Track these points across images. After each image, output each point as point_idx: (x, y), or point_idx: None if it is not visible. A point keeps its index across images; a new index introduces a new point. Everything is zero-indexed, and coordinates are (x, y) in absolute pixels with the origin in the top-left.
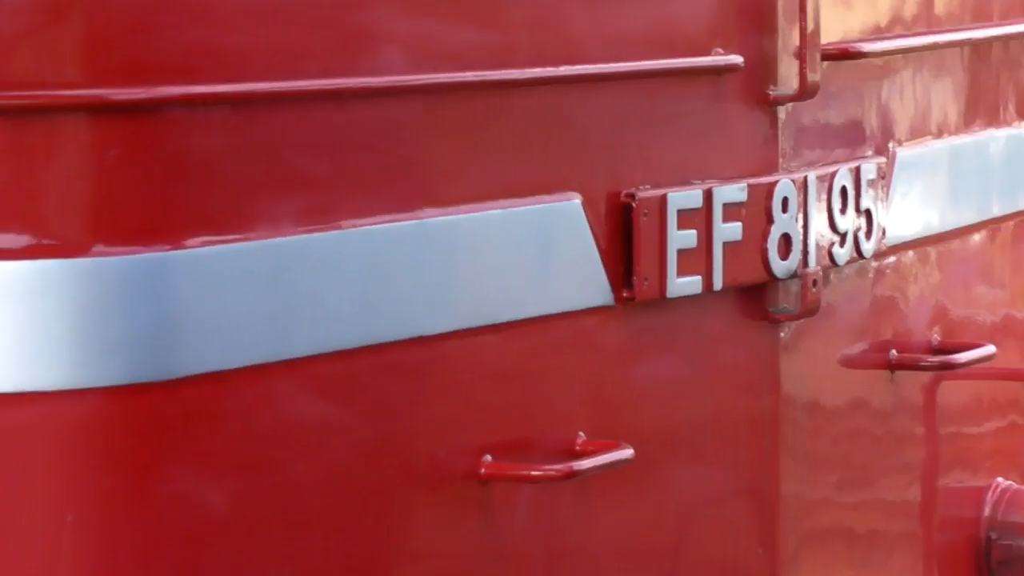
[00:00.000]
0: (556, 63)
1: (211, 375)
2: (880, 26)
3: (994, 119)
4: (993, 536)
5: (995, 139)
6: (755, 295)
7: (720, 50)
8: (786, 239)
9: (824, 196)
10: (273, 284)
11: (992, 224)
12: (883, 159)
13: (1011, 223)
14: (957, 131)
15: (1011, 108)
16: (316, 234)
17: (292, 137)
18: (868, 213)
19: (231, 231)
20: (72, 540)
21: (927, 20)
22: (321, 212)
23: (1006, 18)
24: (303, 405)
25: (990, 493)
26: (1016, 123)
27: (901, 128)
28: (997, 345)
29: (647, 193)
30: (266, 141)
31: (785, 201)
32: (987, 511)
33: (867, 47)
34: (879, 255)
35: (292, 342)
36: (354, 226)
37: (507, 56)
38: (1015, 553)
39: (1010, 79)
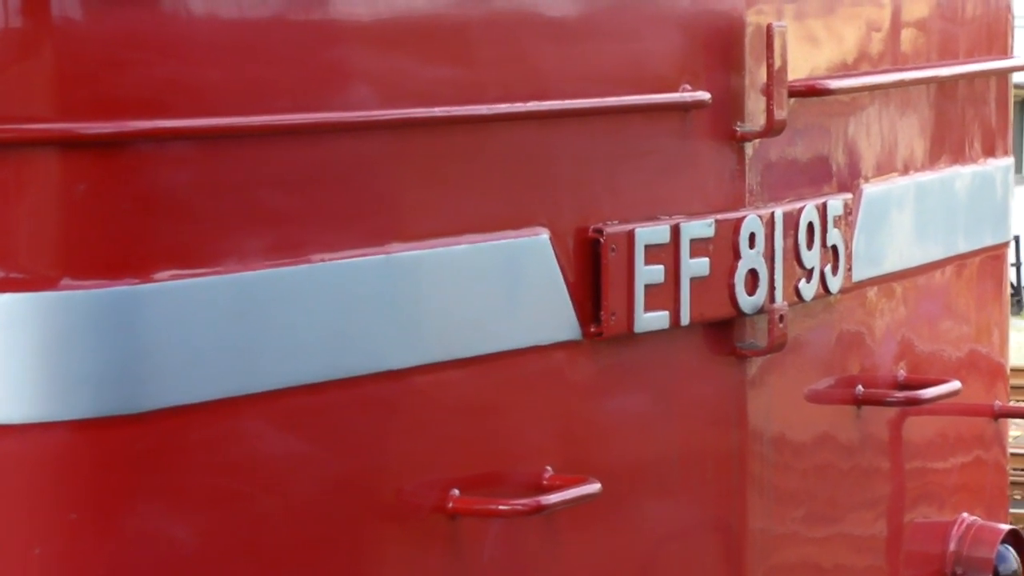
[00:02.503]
0: (524, 99)
1: (178, 408)
2: (847, 63)
3: (960, 156)
4: (958, 572)
5: (961, 176)
6: (722, 330)
7: (688, 87)
8: (753, 275)
9: (791, 232)
10: (241, 318)
11: (958, 260)
12: (849, 195)
13: (976, 259)
14: (923, 168)
15: (977, 145)
16: (284, 268)
17: (261, 172)
18: (834, 249)
19: (200, 265)
20: (38, 574)
21: (894, 57)
22: (290, 246)
23: (972, 55)
24: (271, 439)
25: (955, 528)
26: (981, 160)
27: (868, 164)
28: (962, 381)
29: (615, 228)
30: (235, 175)
31: (752, 237)
32: (952, 546)
33: (834, 84)
34: (845, 291)
35: (260, 376)
36: (322, 260)
37: (476, 92)
38: None
39: (976, 116)
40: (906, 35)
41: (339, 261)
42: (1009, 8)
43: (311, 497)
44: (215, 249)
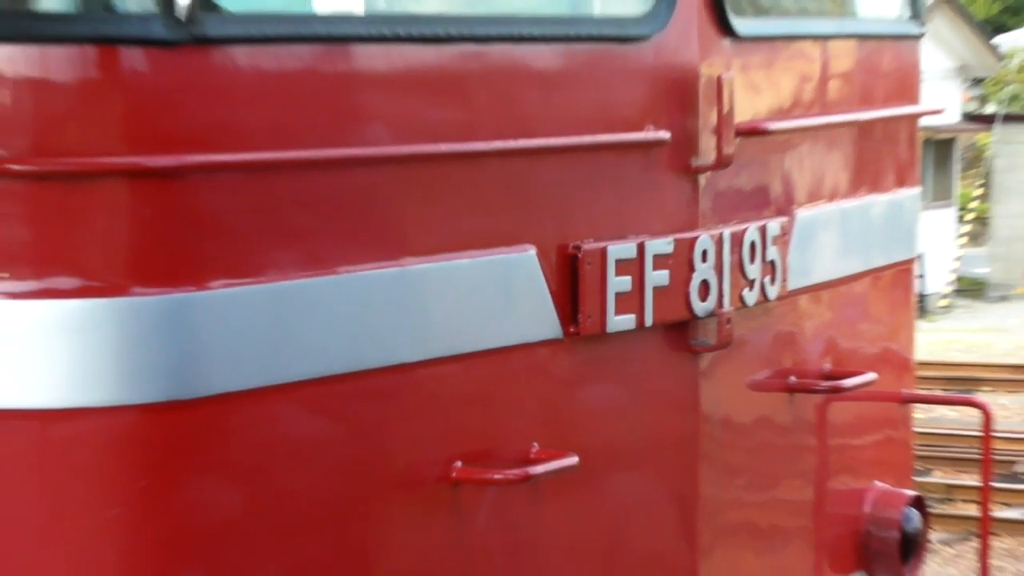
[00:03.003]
0: (514, 137)
1: (226, 395)
2: (783, 108)
3: (876, 186)
4: (872, 530)
5: (877, 203)
6: (679, 330)
7: (651, 127)
8: (705, 284)
9: (736, 249)
10: (277, 319)
11: (874, 273)
12: (785, 218)
13: (890, 272)
14: (846, 196)
15: (890, 177)
16: (313, 278)
17: (294, 197)
18: (772, 263)
19: (243, 275)
20: (113, 531)
21: (822, 103)
22: (318, 260)
23: (887, 102)
24: (301, 420)
25: (869, 494)
26: (894, 190)
27: (800, 193)
28: (877, 372)
29: (590, 246)
30: (273, 201)
31: (704, 253)
32: (867, 509)
33: (773, 125)
34: (781, 298)
35: (292, 368)
36: (345, 272)
37: (472, 131)
38: (889, 544)
39: (890, 153)
40: (833, 85)
41: (359, 272)
42: (918, 63)
43: (335, 468)
44: (256, 262)
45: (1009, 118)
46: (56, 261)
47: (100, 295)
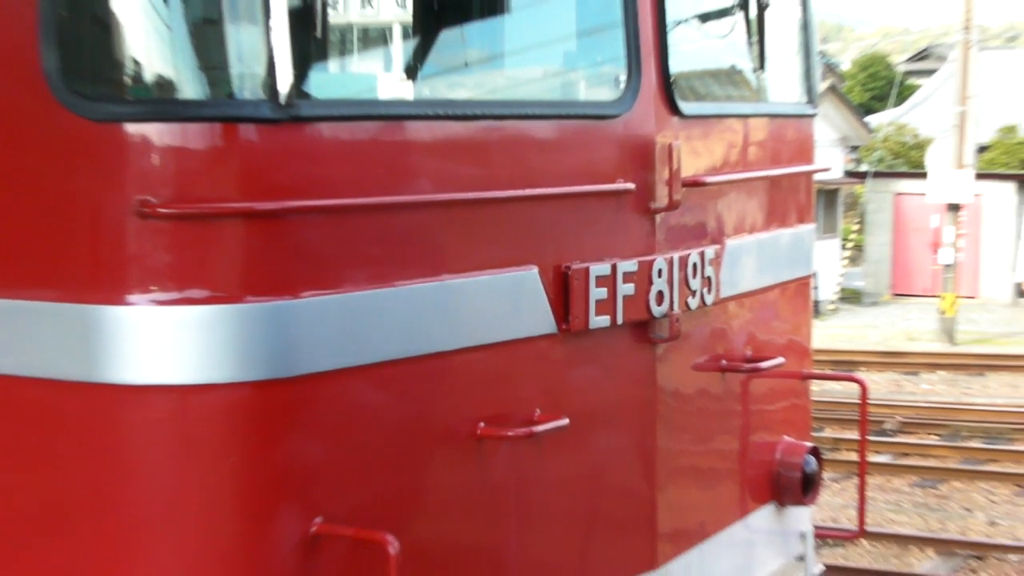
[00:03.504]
0: (523, 187)
1: (313, 375)
2: (716, 167)
3: (784, 223)
4: (781, 471)
5: (784, 235)
6: (642, 327)
7: (621, 180)
8: (660, 294)
9: (683, 268)
10: (351, 320)
11: (782, 286)
12: (718, 246)
13: (793, 284)
14: (762, 230)
15: (793, 216)
16: (377, 290)
17: (364, 231)
18: (709, 278)
19: (327, 287)
20: (232, 474)
21: (744, 163)
22: (380, 277)
23: (791, 162)
24: (369, 393)
25: (779, 445)
26: (796, 225)
27: (729, 227)
28: (785, 357)
29: (578, 266)
30: (348, 234)
31: (660, 271)
32: (778, 456)
33: (709, 179)
34: (716, 303)
35: (362, 354)
36: (400, 285)
37: (493, 183)
38: (793, 481)
39: (793, 199)
40: (752, 149)
41: (410, 286)
42: (812, 134)
43: (393, 427)
44: (336, 278)
45: (877, 174)
46: (191, 278)
47: (223, 302)
